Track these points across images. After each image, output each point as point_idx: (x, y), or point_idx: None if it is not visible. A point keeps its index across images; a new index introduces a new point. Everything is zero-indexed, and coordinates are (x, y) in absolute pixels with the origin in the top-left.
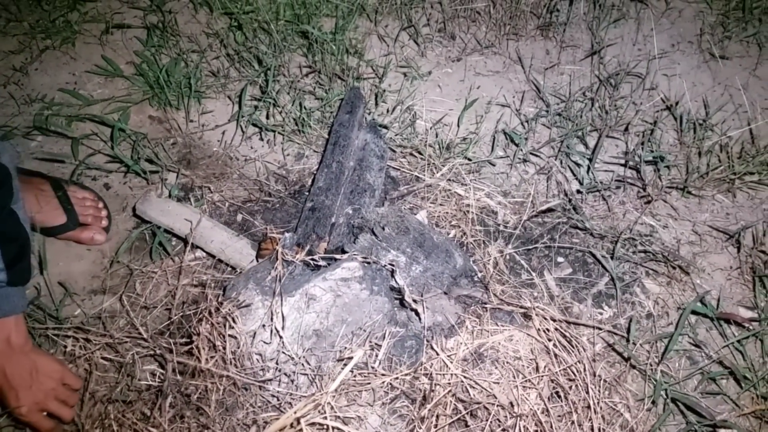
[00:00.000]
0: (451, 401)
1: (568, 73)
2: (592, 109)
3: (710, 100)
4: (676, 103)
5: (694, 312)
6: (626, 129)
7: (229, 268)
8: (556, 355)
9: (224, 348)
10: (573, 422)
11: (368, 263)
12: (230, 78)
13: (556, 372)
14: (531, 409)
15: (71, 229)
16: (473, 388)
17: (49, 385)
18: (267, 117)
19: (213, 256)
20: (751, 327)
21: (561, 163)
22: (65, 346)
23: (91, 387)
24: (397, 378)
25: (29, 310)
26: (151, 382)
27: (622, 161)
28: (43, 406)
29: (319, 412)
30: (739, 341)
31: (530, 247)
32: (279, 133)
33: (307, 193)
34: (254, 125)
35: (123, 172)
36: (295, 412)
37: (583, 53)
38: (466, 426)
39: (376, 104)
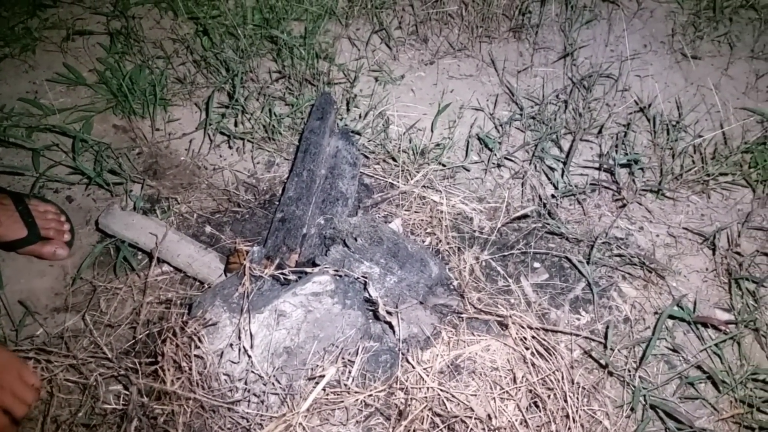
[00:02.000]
0: (427, 416)
1: (542, 76)
2: (566, 112)
3: (683, 101)
4: (649, 105)
5: (671, 316)
6: (600, 131)
7: (198, 283)
8: (533, 364)
9: (190, 369)
10: None
11: (340, 276)
12: (197, 85)
13: (534, 382)
14: (509, 421)
15: (33, 243)
16: (450, 401)
17: (5, 379)
18: (236, 124)
19: (180, 271)
20: (728, 330)
21: (535, 167)
22: None
23: (53, 411)
24: (371, 395)
25: None
26: (115, 405)
27: (597, 164)
28: None
29: None
30: (716, 345)
31: (506, 253)
32: (248, 140)
33: (277, 203)
34: (222, 133)
35: (85, 184)
36: None
37: (555, 55)
38: None
39: (348, 110)
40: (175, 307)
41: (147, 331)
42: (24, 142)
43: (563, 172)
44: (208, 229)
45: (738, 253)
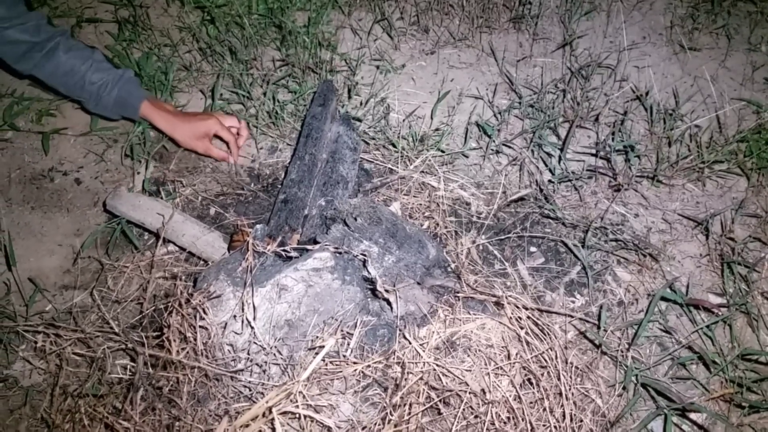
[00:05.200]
0: (423, 389)
1: (541, 65)
2: (564, 101)
3: (680, 91)
4: (647, 93)
5: (664, 299)
6: (596, 119)
7: (202, 262)
8: (527, 343)
9: (195, 339)
10: (545, 408)
11: (340, 253)
12: (203, 72)
13: (528, 359)
14: (503, 396)
15: None
16: (446, 376)
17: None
18: (240, 110)
19: (185, 250)
20: (719, 312)
21: (533, 153)
22: (36, 342)
23: (61, 382)
24: (369, 366)
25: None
26: (122, 376)
27: (594, 151)
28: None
29: (291, 401)
30: (708, 327)
31: (503, 237)
32: (252, 125)
33: (280, 186)
34: None
35: (94, 166)
36: (266, 402)
37: (554, 45)
38: (439, 413)
39: (349, 97)
40: (180, 282)
41: (153, 306)
42: (34, 126)
43: (560, 158)
44: (212, 210)
45: (731, 239)
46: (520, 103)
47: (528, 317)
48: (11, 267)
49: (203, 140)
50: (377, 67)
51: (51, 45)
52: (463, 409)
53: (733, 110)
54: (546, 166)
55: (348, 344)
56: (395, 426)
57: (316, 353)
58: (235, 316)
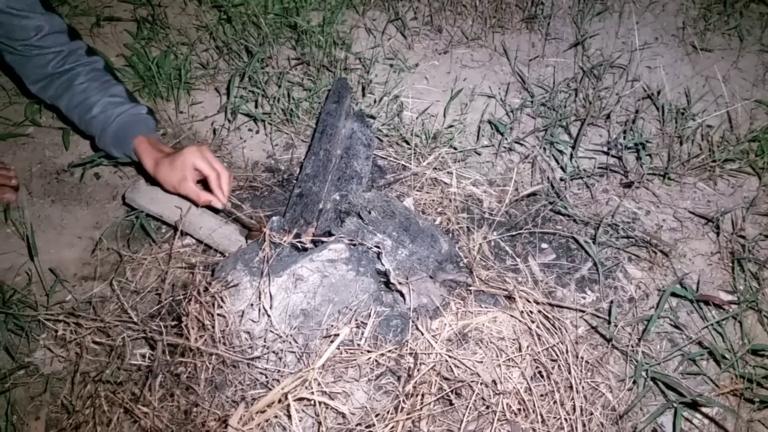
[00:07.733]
0: (435, 380)
1: (553, 65)
2: (576, 100)
3: (691, 91)
4: (658, 93)
5: (674, 294)
6: (608, 118)
7: (219, 254)
8: (539, 336)
9: (213, 327)
10: (555, 401)
11: (354, 245)
12: (219, 70)
13: (539, 352)
14: (514, 387)
15: None
16: (457, 367)
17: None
18: (256, 107)
19: (202, 243)
20: (730, 309)
21: (545, 151)
22: (56, 331)
23: (81, 369)
24: (382, 355)
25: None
26: (141, 363)
27: (605, 149)
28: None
29: (306, 388)
30: (718, 323)
31: (515, 233)
32: (268, 123)
33: (295, 181)
34: (244, 114)
35: (113, 162)
36: (282, 389)
37: (567, 45)
38: (451, 404)
39: (363, 95)
40: (198, 272)
41: (171, 297)
42: (56, 122)
43: (572, 155)
44: (229, 204)
45: (742, 237)
46: (532, 101)
47: (539, 311)
48: (33, 258)
49: (183, 179)
50: (391, 65)
51: (70, 74)
52: (475, 400)
53: (744, 110)
54: (558, 163)
55: (362, 333)
56: (408, 414)
57: (331, 342)
58: (252, 305)
